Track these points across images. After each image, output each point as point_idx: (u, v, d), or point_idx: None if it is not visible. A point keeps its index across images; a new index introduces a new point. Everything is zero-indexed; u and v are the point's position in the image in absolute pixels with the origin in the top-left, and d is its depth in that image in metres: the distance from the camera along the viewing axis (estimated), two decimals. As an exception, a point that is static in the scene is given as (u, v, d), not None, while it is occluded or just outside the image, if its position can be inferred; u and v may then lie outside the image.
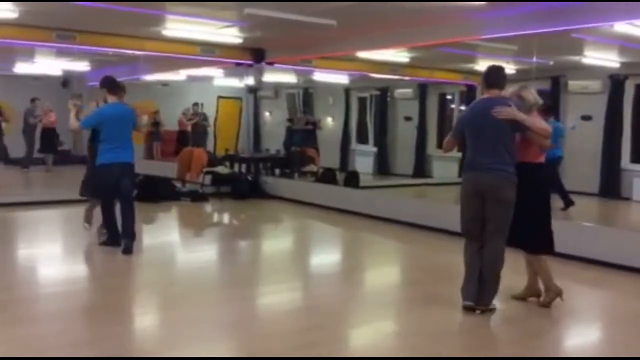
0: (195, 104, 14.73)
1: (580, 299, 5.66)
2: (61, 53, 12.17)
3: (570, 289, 5.73)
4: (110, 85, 6.71)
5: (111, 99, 6.65)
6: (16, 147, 14.84)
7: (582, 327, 4.96)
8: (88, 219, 7.18)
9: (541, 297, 5.01)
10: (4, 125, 14.67)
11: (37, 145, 14.94)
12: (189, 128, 14.64)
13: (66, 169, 15.48)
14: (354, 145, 15.91)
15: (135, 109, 6.93)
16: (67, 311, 4.78)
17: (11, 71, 14.94)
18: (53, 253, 7.11)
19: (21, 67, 14.49)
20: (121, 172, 6.57)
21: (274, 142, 13.61)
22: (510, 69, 11.05)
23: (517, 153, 4.76)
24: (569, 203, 9.20)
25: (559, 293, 4.94)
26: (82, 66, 14.27)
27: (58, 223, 9.16)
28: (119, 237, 6.64)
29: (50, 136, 14.94)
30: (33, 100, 14.98)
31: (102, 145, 6.59)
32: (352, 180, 12.15)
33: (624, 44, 9.01)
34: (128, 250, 6.49)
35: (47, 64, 14.09)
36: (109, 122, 6.54)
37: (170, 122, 15.53)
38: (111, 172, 6.56)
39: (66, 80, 17.67)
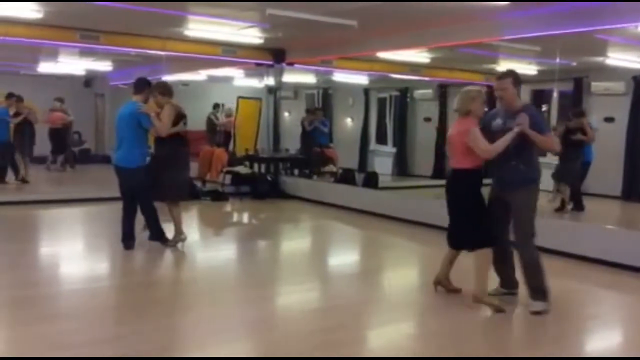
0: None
1: (602, 302, 5.60)
2: (84, 53, 12.32)
3: (591, 292, 5.69)
4: (134, 85, 6.71)
5: (134, 98, 6.66)
6: (41, 146, 14.93)
7: (603, 330, 4.90)
8: (179, 230, 6.97)
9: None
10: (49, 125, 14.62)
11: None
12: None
13: (87, 167, 15.70)
14: (373, 145, 15.89)
15: (141, 105, 6.53)
16: (88, 309, 4.84)
17: (35, 71, 15.14)
18: (75, 251, 7.21)
19: (45, 67, 14.64)
20: (123, 176, 6.56)
21: (293, 143, 13.63)
22: (532, 70, 11.03)
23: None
24: (574, 204, 9.18)
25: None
26: (104, 66, 14.42)
27: (80, 221, 9.28)
28: (129, 238, 6.65)
29: (54, 136, 14.60)
30: (55, 99, 15.03)
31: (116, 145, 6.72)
32: (371, 180, 12.13)
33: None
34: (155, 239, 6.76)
35: (71, 64, 14.24)
36: (117, 122, 6.63)
37: (192, 122, 15.57)
38: (116, 174, 6.64)
39: (89, 80, 17.89)
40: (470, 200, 4.94)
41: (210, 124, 14.66)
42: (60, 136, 14.75)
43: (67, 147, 15.17)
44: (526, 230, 4.85)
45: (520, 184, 4.84)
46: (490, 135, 4.85)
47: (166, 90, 6.80)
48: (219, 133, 13.84)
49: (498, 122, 4.95)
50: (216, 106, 14.80)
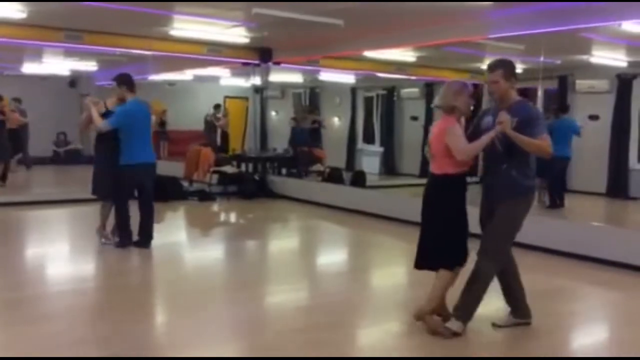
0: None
1: (592, 300, 5.65)
2: (69, 53, 12.22)
3: (581, 290, 5.74)
4: (129, 82, 6.66)
5: (130, 96, 6.63)
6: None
7: (591, 328, 4.94)
8: (104, 225, 6.89)
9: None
10: (7, 124, 14.41)
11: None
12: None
13: (76, 168, 15.57)
14: (361, 145, 15.92)
15: (149, 105, 6.93)
16: (75, 310, 4.82)
17: (19, 71, 14.99)
18: (62, 252, 7.15)
19: (29, 67, 14.51)
20: (146, 173, 6.66)
21: (280, 142, 13.64)
22: (517, 68, 11.10)
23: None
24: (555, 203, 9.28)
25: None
26: (89, 66, 14.33)
27: (66, 222, 9.22)
28: (131, 236, 6.69)
29: (11, 137, 13.64)
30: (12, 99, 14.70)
31: (128, 144, 6.51)
32: (359, 179, 12.16)
33: (631, 43, 8.97)
34: (146, 246, 6.76)
35: (55, 64, 14.12)
36: (136, 121, 6.56)
37: (179, 122, 15.56)
38: (137, 173, 6.59)
39: (74, 80, 17.73)
40: (451, 212, 4.26)
41: (209, 125, 14.67)
42: (16, 136, 14.11)
43: (22, 148, 14.65)
44: (499, 246, 4.24)
45: (508, 193, 4.18)
46: (481, 135, 4.19)
47: None
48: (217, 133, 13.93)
49: (488, 119, 4.27)
50: (217, 107, 14.78)
